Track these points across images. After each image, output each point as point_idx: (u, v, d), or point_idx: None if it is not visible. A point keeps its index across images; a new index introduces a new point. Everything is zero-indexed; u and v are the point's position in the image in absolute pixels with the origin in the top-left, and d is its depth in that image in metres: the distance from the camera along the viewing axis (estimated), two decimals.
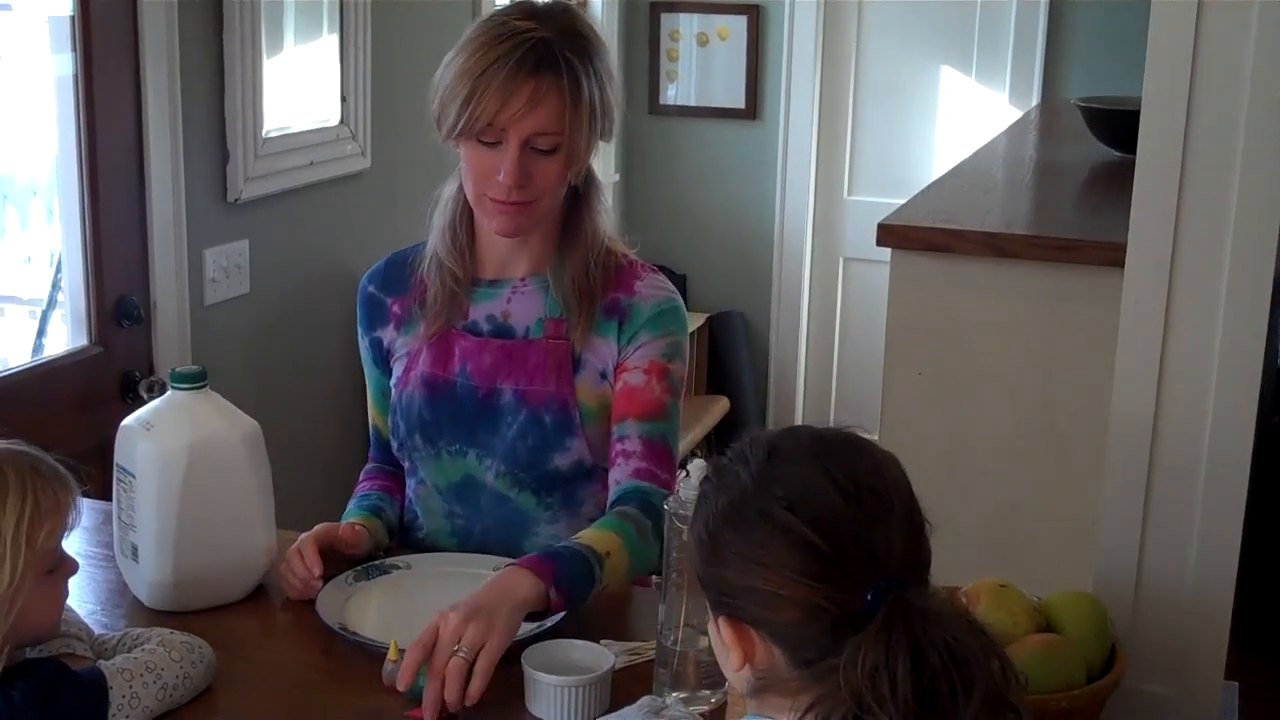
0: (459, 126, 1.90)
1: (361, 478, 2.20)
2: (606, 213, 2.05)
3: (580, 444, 1.99)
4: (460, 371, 2.01)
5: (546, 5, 1.97)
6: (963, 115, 4.94)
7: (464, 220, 2.03)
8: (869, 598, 1.16)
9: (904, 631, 1.14)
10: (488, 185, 1.92)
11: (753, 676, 1.25)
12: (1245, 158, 1.67)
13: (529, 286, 2.02)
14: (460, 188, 2.01)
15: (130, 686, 1.55)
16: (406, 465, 2.11)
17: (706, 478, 1.30)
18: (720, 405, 4.97)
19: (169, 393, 1.90)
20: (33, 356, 2.90)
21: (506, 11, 1.95)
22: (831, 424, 1.30)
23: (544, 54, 1.87)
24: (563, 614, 1.82)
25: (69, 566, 1.54)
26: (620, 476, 1.96)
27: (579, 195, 2.02)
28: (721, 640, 1.26)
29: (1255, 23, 1.65)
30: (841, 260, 5.21)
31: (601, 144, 1.99)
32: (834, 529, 1.18)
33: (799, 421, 5.31)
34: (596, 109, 1.92)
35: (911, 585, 1.18)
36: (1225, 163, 1.69)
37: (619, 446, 1.99)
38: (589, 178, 2.03)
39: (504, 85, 1.86)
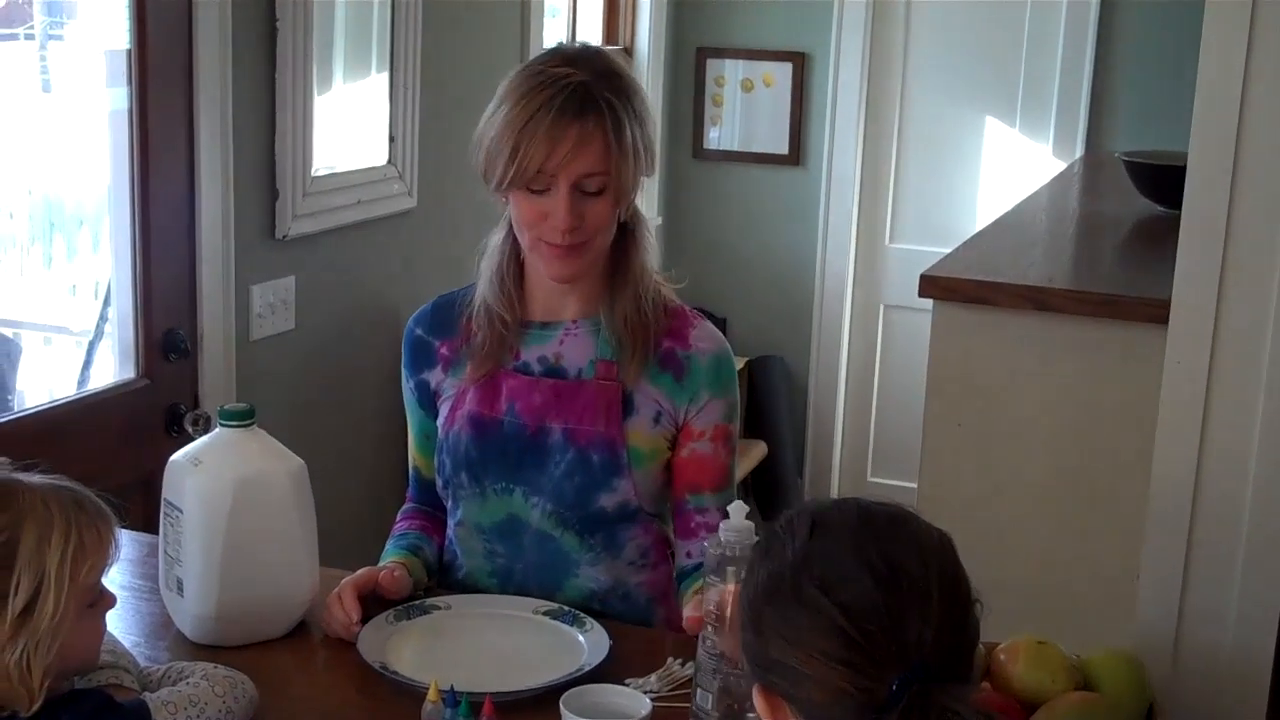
0: (508, 178, 1.93)
1: (399, 517, 2.22)
2: (652, 248, 2.07)
3: (627, 485, 2.00)
4: (508, 410, 2.02)
5: (579, 49, 2.00)
6: (1005, 166, 4.95)
7: (512, 266, 2.05)
8: (893, 688, 1.15)
9: None
10: (541, 230, 1.94)
11: None
12: None
13: (580, 329, 2.04)
14: (507, 235, 2.04)
15: (174, 718, 1.56)
16: (449, 505, 2.12)
17: (759, 542, 1.31)
18: (758, 450, 4.96)
19: (217, 429, 1.92)
20: (79, 388, 2.93)
21: (541, 60, 1.98)
22: (876, 497, 1.29)
23: (585, 97, 1.91)
24: (602, 659, 1.84)
25: (108, 600, 1.56)
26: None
27: (626, 232, 2.05)
28: (758, 707, 1.27)
29: None
30: (882, 307, 5.21)
31: (644, 180, 2.01)
32: (864, 615, 1.18)
33: (836, 467, 5.31)
34: (639, 145, 1.96)
35: (941, 678, 1.16)
36: (1271, 220, 1.69)
37: (699, 519, 2.04)
38: (635, 217, 2.06)
39: (549, 132, 1.89)
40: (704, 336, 2.05)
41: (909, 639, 1.17)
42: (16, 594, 1.42)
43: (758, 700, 1.27)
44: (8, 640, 1.42)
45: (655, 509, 2.07)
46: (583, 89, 1.91)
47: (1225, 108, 1.68)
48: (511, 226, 2.03)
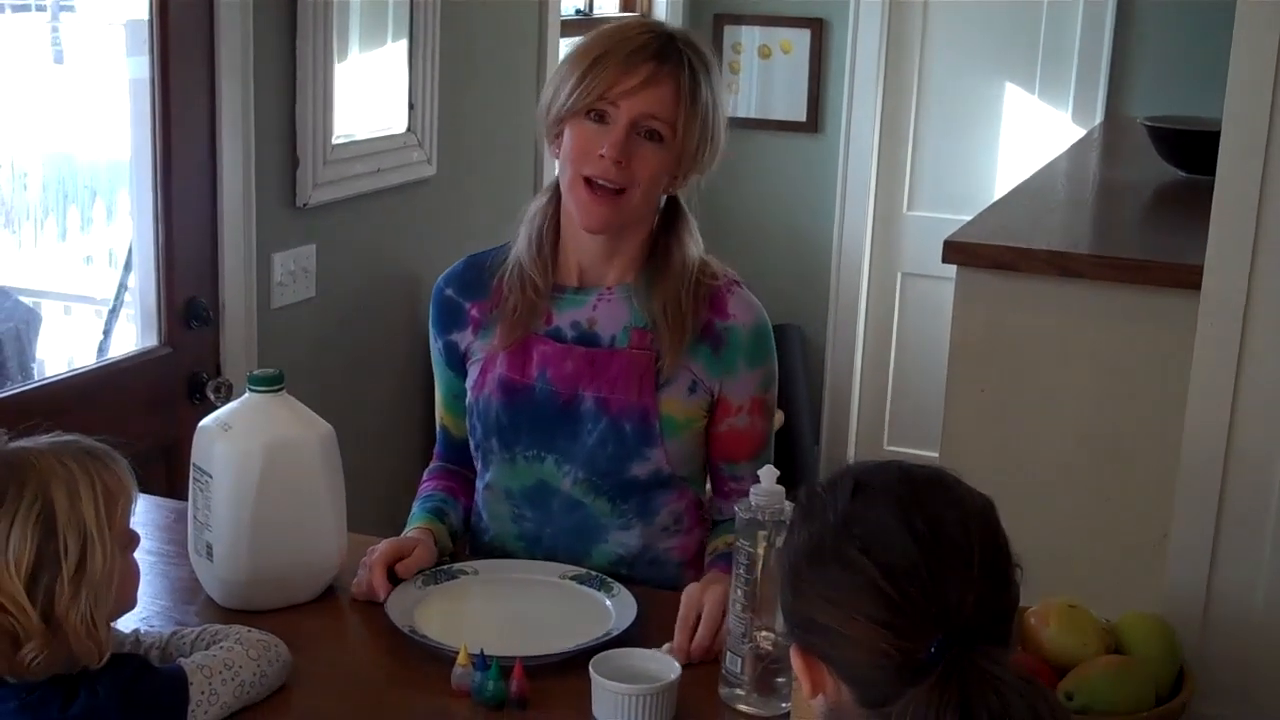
0: (570, 100, 1.92)
1: (425, 476, 2.21)
2: (696, 242, 2.05)
3: (659, 454, 2.00)
4: (539, 376, 2.02)
5: (674, 26, 2.02)
6: (1025, 132, 4.92)
7: (550, 230, 2.04)
8: (932, 649, 1.15)
9: (956, 691, 1.13)
10: (586, 162, 1.93)
11: (825, 708, 1.26)
12: None
13: (615, 295, 2.03)
14: (550, 198, 2.04)
15: (209, 683, 1.57)
16: (479, 467, 2.12)
17: (799, 504, 1.31)
18: (775, 418, 4.94)
19: (246, 395, 1.92)
20: (98, 357, 2.94)
21: (629, 18, 2.00)
22: (912, 459, 1.29)
23: (668, 46, 1.93)
24: (630, 624, 1.84)
25: (136, 540, 1.58)
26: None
27: (669, 220, 2.04)
28: (795, 669, 1.27)
29: None
30: (900, 275, 5.20)
31: (703, 168, 2.00)
32: (905, 577, 1.18)
33: (852, 435, 5.31)
34: (709, 121, 1.96)
35: (981, 641, 1.16)
36: None
37: (734, 485, 2.05)
38: (679, 209, 2.05)
39: (625, 61, 1.90)
40: (741, 305, 2.04)
41: (949, 601, 1.17)
42: (67, 555, 1.44)
43: (796, 661, 1.27)
44: (71, 600, 1.44)
45: (689, 474, 2.07)
46: (668, 39, 1.93)
47: (1260, 72, 1.67)
48: (553, 191, 2.03)
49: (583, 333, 2.03)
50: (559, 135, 1.97)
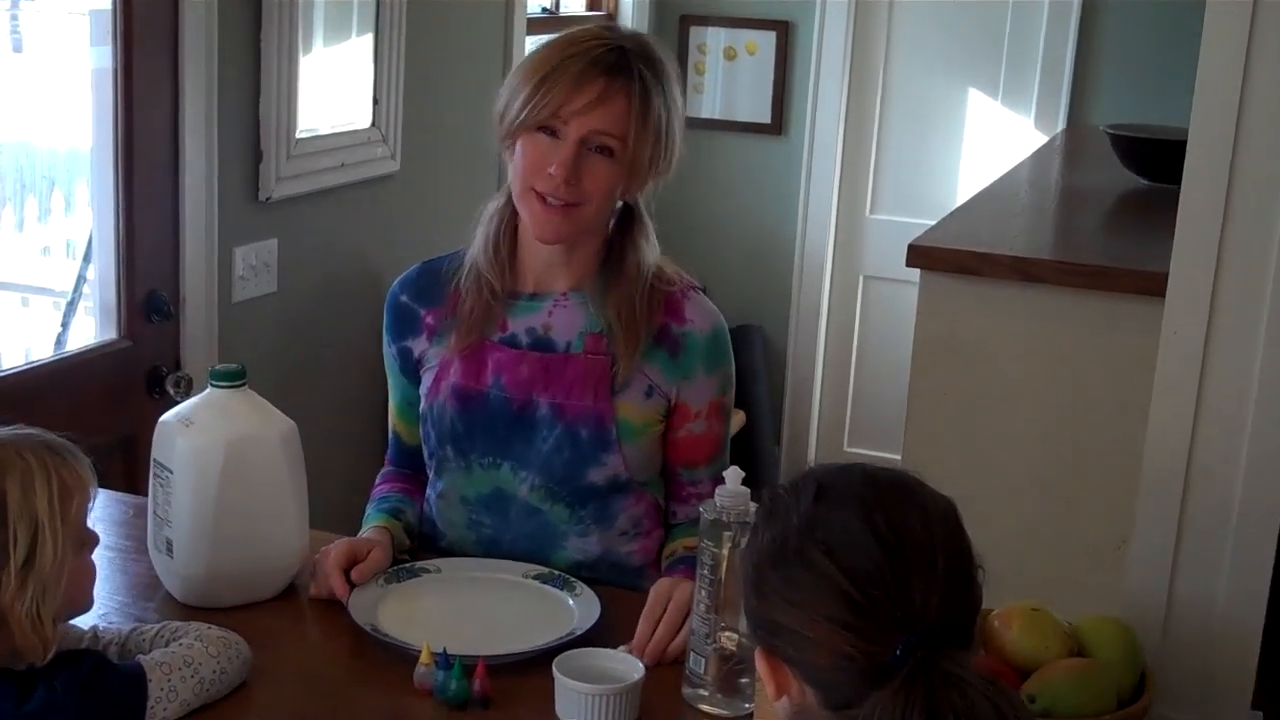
0: (522, 116, 1.91)
1: (379, 480, 2.20)
2: (652, 246, 2.04)
3: (617, 459, 1.99)
4: (494, 383, 2.00)
5: (627, 29, 2.01)
6: (988, 137, 4.95)
7: (507, 234, 2.03)
8: (897, 652, 1.15)
9: (922, 693, 1.13)
10: (537, 178, 1.92)
11: (790, 710, 1.25)
12: None
13: (570, 301, 2.02)
14: (506, 202, 2.02)
15: (169, 680, 1.56)
16: (431, 475, 2.11)
17: (762, 506, 1.31)
18: (735, 419, 4.94)
19: (208, 390, 1.91)
20: (56, 349, 2.91)
21: (586, 25, 1.99)
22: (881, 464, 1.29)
23: (620, 60, 1.91)
24: (593, 623, 1.84)
25: (94, 539, 1.56)
26: (694, 513, 1.96)
27: (625, 225, 2.03)
28: (759, 671, 1.27)
29: None
30: (861, 278, 5.21)
31: (658, 176, 1.99)
32: (869, 579, 1.18)
33: (813, 437, 5.32)
34: (662, 131, 1.94)
35: (945, 644, 1.16)
36: (1271, 192, 1.69)
37: (692, 489, 2.06)
38: (636, 213, 2.03)
39: (576, 78, 1.89)
40: (698, 311, 2.03)
41: (913, 604, 1.17)
42: (16, 546, 1.42)
43: (760, 664, 1.27)
44: (16, 592, 1.42)
45: (648, 479, 2.06)
46: (620, 53, 1.91)
47: (1227, 79, 1.68)
48: (509, 194, 2.02)
49: (538, 339, 2.01)
50: (512, 144, 1.96)
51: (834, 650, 1.18)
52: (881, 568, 1.18)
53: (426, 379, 2.07)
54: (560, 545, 2.04)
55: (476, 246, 2.04)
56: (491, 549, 2.06)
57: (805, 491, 1.25)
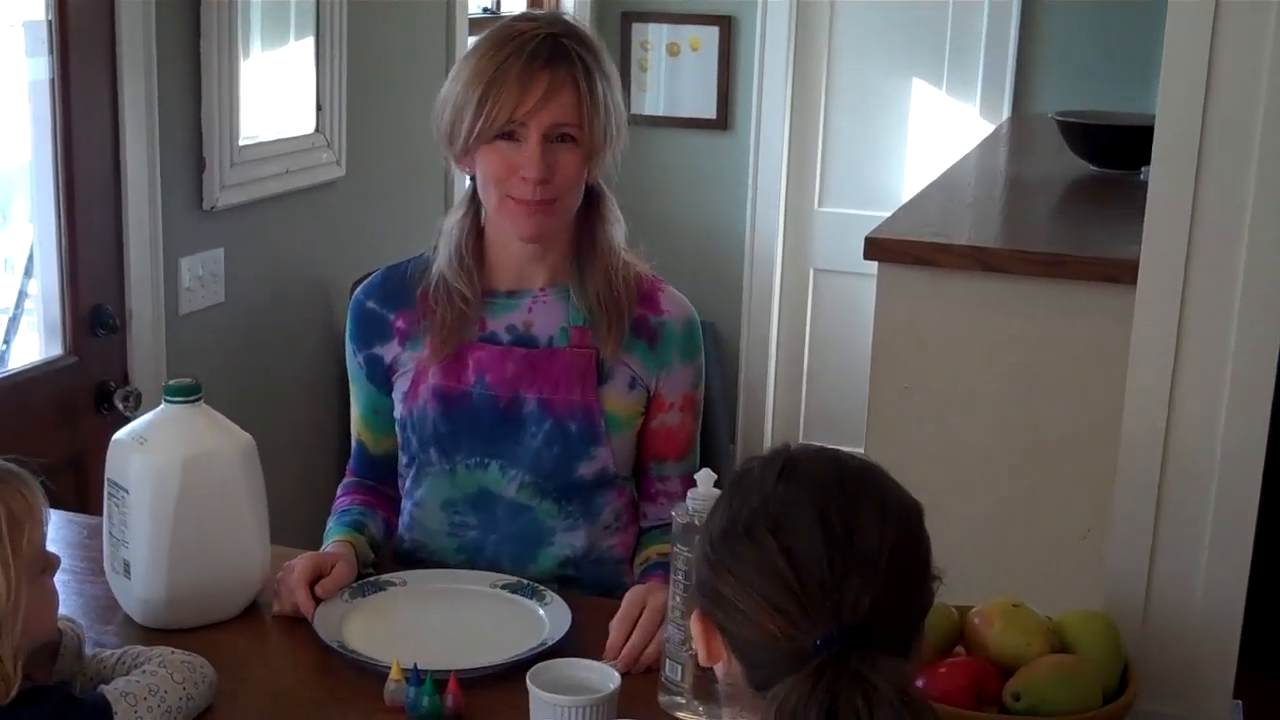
0: (476, 130, 1.89)
1: (340, 492, 2.15)
2: (619, 223, 2.04)
3: (605, 452, 1.98)
4: (477, 382, 1.98)
5: (546, 12, 1.98)
6: (933, 128, 4.95)
7: (470, 242, 2.00)
8: (818, 643, 1.14)
9: (826, 690, 1.12)
10: (510, 185, 1.90)
11: (723, 683, 1.26)
12: (1260, 172, 1.66)
13: (549, 296, 2.00)
14: (465, 213, 2.01)
15: (134, 711, 1.51)
16: (408, 484, 2.07)
17: (733, 476, 1.30)
18: None
19: (162, 406, 1.86)
20: None
21: (506, 21, 1.96)
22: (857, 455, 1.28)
23: (555, 48, 1.89)
24: (565, 632, 1.80)
25: (53, 563, 1.51)
26: (664, 514, 1.96)
27: (592, 206, 2.01)
28: (693, 631, 1.27)
29: (1272, 35, 1.63)
30: (812, 271, 5.20)
31: (615, 149, 1.97)
32: (807, 566, 1.17)
33: (768, 432, 5.30)
34: (609, 103, 1.93)
35: (872, 646, 1.14)
36: (1239, 178, 1.67)
37: (660, 486, 2.06)
38: (599, 190, 2.02)
39: (520, 78, 1.87)
40: (672, 302, 2.04)
41: (845, 600, 1.15)
42: None
43: (695, 626, 1.26)
44: None
45: (627, 473, 2.06)
46: (552, 40, 1.89)
47: (1193, 64, 1.66)
48: (468, 204, 2.00)
49: (519, 335, 1.99)
50: (470, 160, 1.94)
51: (762, 629, 1.17)
52: (821, 556, 1.17)
53: (402, 384, 2.03)
54: (547, 542, 2.02)
55: (441, 259, 2.01)
56: (474, 554, 2.04)
57: (772, 468, 1.25)
